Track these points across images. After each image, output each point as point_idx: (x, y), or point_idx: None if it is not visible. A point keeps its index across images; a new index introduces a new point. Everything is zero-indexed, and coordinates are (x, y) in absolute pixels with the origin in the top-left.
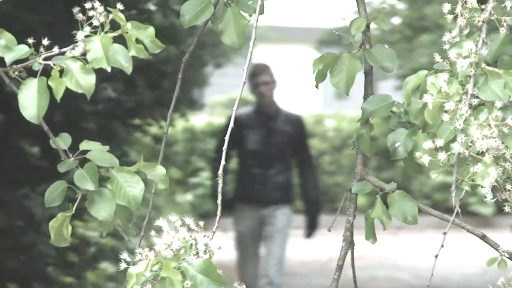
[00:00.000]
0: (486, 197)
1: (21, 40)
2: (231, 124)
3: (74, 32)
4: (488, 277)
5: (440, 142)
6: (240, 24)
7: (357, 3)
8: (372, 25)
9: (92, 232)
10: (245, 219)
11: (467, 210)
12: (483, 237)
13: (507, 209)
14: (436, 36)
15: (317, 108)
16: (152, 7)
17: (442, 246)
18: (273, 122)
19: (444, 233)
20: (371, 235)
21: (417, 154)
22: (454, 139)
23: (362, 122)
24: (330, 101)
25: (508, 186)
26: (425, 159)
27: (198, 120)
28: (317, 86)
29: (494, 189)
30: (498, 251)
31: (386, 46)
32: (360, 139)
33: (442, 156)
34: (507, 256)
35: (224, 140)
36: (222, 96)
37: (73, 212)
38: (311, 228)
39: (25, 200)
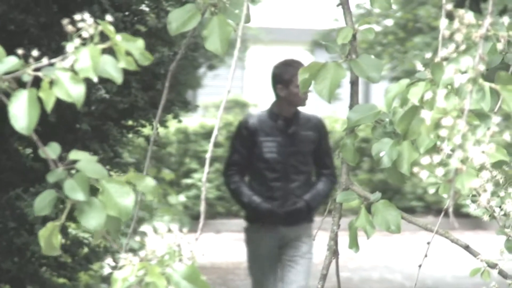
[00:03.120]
0: (470, 207)
1: (16, 41)
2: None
3: (64, 43)
4: (479, 279)
5: (437, 159)
6: (225, 31)
7: (344, 13)
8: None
9: (84, 234)
10: (262, 240)
11: (460, 212)
12: (467, 248)
13: (485, 218)
14: (429, 38)
15: (309, 110)
16: (145, 8)
17: (426, 255)
18: (293, 127)
19: (428, 243)
20: (354, 244)
21: (415, 169)
22: (433, 148)
23: (348, 132)
24: (322, 103)
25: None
26: (423, 175)
27: (191, 122)
28: (302, 93)
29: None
30: (479, 260)
31: (372, 56)
32: (344, 148)
33: (439, 171)
34: (487, 266)
35: (234, 144)
36: (215, 97)
37: (63, 221)
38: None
39: (17, 201)
